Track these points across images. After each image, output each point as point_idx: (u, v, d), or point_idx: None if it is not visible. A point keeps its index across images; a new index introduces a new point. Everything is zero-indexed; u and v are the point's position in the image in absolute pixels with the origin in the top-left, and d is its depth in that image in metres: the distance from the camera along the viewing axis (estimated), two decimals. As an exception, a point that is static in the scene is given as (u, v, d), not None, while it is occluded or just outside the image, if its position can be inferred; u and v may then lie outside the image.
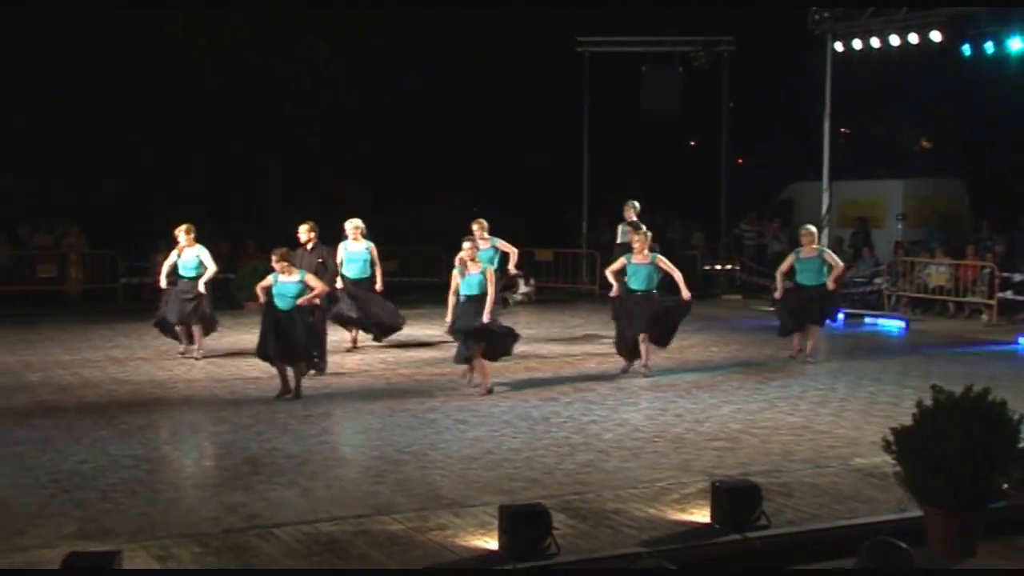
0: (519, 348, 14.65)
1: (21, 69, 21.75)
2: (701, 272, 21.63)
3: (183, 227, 13.86)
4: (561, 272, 22.52)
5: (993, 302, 17.70)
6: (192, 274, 13.82)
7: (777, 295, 13.81)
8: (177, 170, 23.51)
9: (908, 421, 7.24)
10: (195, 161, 23.53)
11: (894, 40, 17.69)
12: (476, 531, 7.13)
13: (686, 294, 12.65)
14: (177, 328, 14.11)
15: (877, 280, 19.78)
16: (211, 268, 13.89)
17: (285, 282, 11.47)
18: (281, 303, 11.43)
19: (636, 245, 12.75)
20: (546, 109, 25.65)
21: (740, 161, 29.22)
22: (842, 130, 26.10)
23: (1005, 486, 7.15)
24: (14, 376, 13.05)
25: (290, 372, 11.49)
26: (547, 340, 15.84)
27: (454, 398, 11.60)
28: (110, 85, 22.30)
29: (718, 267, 22.47)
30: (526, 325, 17.24)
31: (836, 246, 20.75)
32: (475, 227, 13.60)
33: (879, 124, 28.95)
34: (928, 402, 7.18)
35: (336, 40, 23.23)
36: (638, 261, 12.67)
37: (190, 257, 13.85)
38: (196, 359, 13.85)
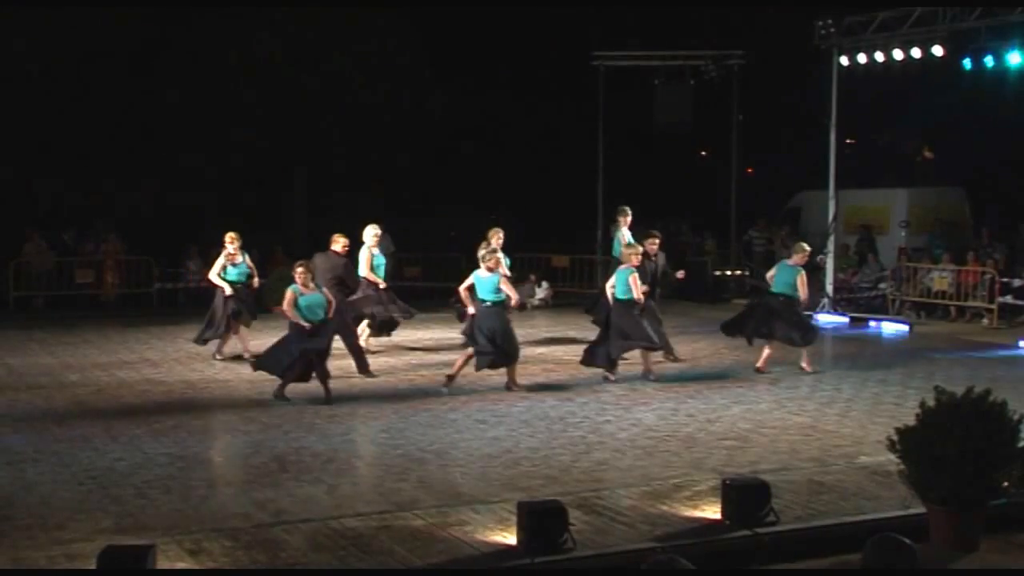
0: (537, 351, 14.94)
1: (62, 76, 22.06)
2: (712, 277, 21.83)
3: (230, 235, 14.10)
4: (577, 277, 22.77)
5: (994, 306, 17.88)
6: (243, 280, 14.14)
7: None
8: (207, 178, 23.80)
9: (912, 421, 7.38)
10: (226, 170, 23.82)
11: (897, 54, 17.89)
12: (495, 527, 7.26)
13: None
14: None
15: (882, 285, 19.96)
16: (254, 271, 14.38)
17: (310, 294, 11.61)
18: (312, 315, 11.54)
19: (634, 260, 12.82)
20: (562, 121, 25.93)
21: (750, 171, 29.39)
22: (848, 140, 26.26)
23: (1006, 484, 7.26)
24: (53, 377, 13.27)
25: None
26: (563, 343, 15.98)
27: (474, 399, 11.77)
28: (148, 95, 22.59)
29: (728, 273, 22.66)
30: (544, 329, 17.53)
31: (842, 252, 20.99)
32: (493, 236, 13.79)
33: (883, 135, 29.10)
34: (931, 403, 7.31)
35: (361, 56, 23.56)
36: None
37: (239, 262, 14.14)
38: (247, 359, 14.01)
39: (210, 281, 14.46)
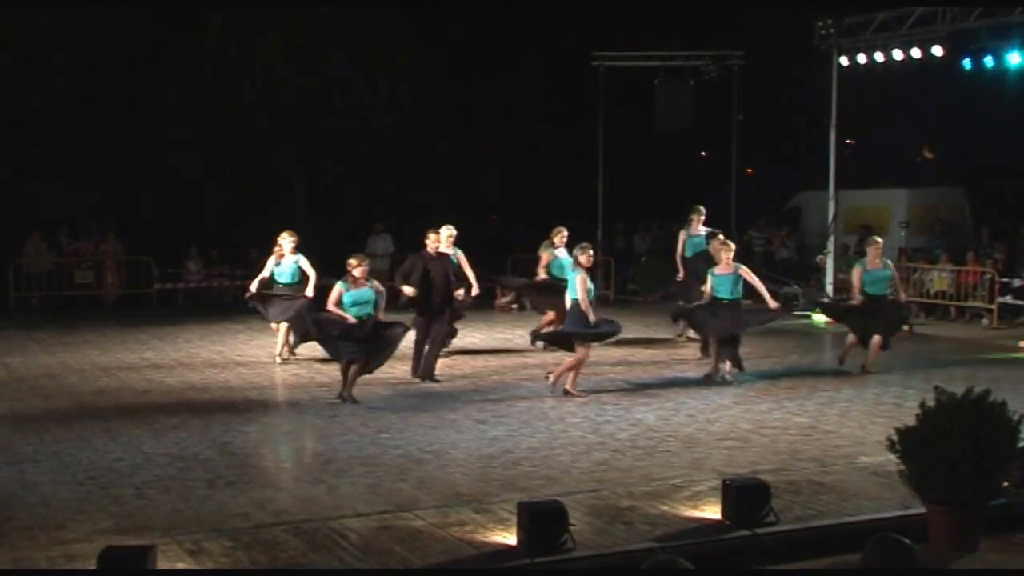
0: (535, 351, 14.95)
1: (62, 77, 22.09)
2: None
3: (286, 233, 13.95)
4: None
5: (993, 307, 17.91)
6: (290, 281, 13.89)
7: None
8: (207, 179, 23.83)
9: (912, 421, 7.39)
10: (225, 172, 23.86)
11: (897, 55, 17.91)
12: (495, 527, 7.28)
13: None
14: (272, 326, 14.25)
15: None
16: (312, 273, 13.93)
17: (360, 291, 11.45)
18: (360, 311, 11.41)
19: (723, 256, 12.77)
20: (562, 121, 25.96)
21: (749, 171, 29.41)
22: (847, 141, 26.28)
23: (1005, 484, 7.33)
24: (53, 377, 13.29)
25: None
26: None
27: (474, 400, 11.80)
28: (148, 95, 22.61)
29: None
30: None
31: (842, 252, 20.99)
32: (556, 235, 14.23)
33: (883, 135, 29.13)
34: (931, 403, 7.32)
35: (361, 58, 23.59)
36: (722, 272, 12.71)
37: (288, 265, 13.92)
38: (285, 359, 14.11)
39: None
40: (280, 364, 14.05)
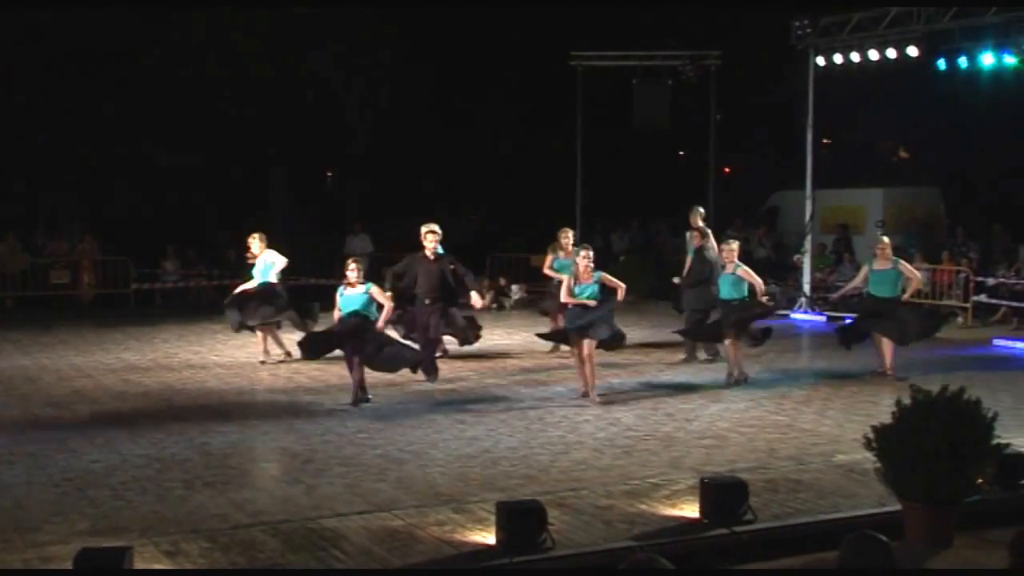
0: (515, 351, 14.96)
1: (34, 77, 21.94)
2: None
3: (256, 235, 13.95)
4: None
5: (968, 305, 18.05)
6: (263, 280, 13.89)
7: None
8: (185, 179, 23.73)
9: (888, 419, 7.44)
10: (204, 171, 23.77)
11: (873, 55, 18.03)
12: (474, 527, 7.27)
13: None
14: (259, 333, 14.16)
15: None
16: (281, 261, 13.99)
17: (351, 294, 11.35)
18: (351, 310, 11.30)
19: (724, 254, 12.71)
20: (541, 121, 26.00)
21: (727, 170, 29.58)
22: (824, 140, 26.46)
23: (979, 481, 7.34)
24: (29, 378, 13.20)
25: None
26: (543, 342, 15.98)
27: (452, 399, 11.79)
28: (121, 93, 22.50)
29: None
30: (523, 328, 17.58)
31: (819, 252, 21.12)
32: (562, 237, 14.03)
33: (859, 135, 29.34)
34: (907, 401, 7.37)
35: (340, 58, 23.55)
36: (729, 271, 12.65)
37: (260, 264, 13.93)
38: (279, 360, 14.04)
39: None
40: (262, 364, 14.04)
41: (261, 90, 23.10)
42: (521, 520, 6.84)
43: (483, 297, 14.48)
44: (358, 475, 8.73)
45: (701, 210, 15.17)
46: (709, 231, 14.65)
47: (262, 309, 13.87)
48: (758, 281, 12.76)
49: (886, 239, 13.54)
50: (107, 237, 21.63)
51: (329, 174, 29.42)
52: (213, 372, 13.57)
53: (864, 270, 13.38)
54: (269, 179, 25.15)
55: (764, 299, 12.91)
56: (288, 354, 14.08)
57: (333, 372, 13.11)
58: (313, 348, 11.77)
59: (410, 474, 8.75)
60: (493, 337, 16.39)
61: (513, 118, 26.80)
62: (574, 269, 11.59)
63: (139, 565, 6.45)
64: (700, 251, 14.17)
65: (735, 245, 12.84)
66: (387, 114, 24.56)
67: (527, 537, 6.80)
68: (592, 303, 11.35)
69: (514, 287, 21.59)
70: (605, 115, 23.55)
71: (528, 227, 24.39)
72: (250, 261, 14.06)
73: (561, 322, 12.81)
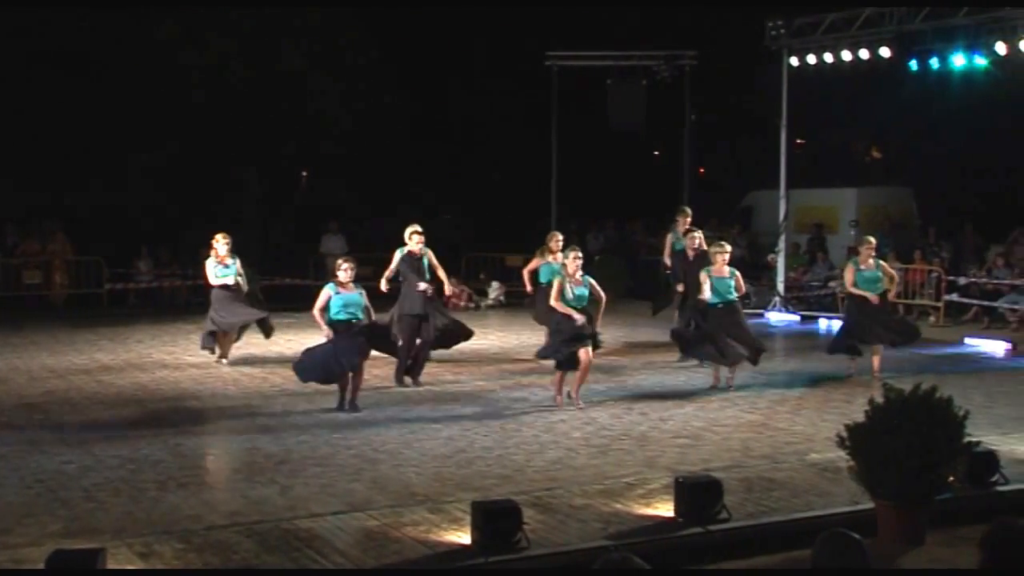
0: (491, 350, 14.96)
1: (3, 75, 21.76)
2: (665, 276, 21.98)
3: (221, 237, 13.63)
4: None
5: (940, 304, 18.20)
6: (235, 280, 13.64)
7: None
8: (158, 178, 23.60)
9: (861, 418, 7.49)
10: (176, 170, 23.64)
11: (846, 55, 18.14)
12: (449, 527, 7.27)
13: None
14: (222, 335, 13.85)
15: (831, 283, 20.21)
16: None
17: (346, 294, 10.99)
18: (346, 315, 10.96)
19: (718, 257, 12.39)
20: (516, 120, 26.02)
21: (702, 170, 29.66)
22: (798, 141, 26.59)
23: (951, 479, 7.41)
24: (0, 380, 13.06)
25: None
26: (517, 341, 16.07)
27: (427, 399, 11.79)
28: (95, 93, 22.33)
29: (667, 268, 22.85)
30: (497, 327, 17.63)
31: (793, 251, 21.22)
32: (551, 241, 13.90)
33: (833, 135, 29.51)
34: (879, 400, 7.42)
35: (314, 56, 23.47)
36: (718, 274, 12.33)
37: (230, 264, 13.64)
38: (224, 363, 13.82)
39: (209, 283, 13.83)
40: (228, 365, 13.85)
41: (236, 89, 22.98)
42: (496, 520, 6.85)
43: (453, 286, 14.47)
44: (333, 475, 8.71)
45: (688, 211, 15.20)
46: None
47: (250, 309, 13.72)
48: (742, 287, 12.69)
49: (872, 239, 13.44)
50: (80, 237, 21.46)
51: (304, 174, 29.35)
52: (187, 373, 13.50)
53: (851, 270, 13.10)
54: (243, 179, 25.03)
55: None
56: (223, 357, 13.89)
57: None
58: (311, 373, 11.20)
59: (385, 474, 8.74)
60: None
61: (488, 118, 26.80)
62: (564, 269, 11.35)
63: (112, 567, 6.41)
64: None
65: (728, 248, 12.64)
66: (362, 114, 24.49)
67: (502, 537, 6.81)
68: (581, 318, 10.97)
69: (494, 283, 21.61)
70: (581, 115, 23.60)
71: (503, 227, 24.45)
72: (220, 262, 13.69)
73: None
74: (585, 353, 11.07)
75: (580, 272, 11.16)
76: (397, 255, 12.78)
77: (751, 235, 23.66)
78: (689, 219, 15.24)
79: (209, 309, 13.78)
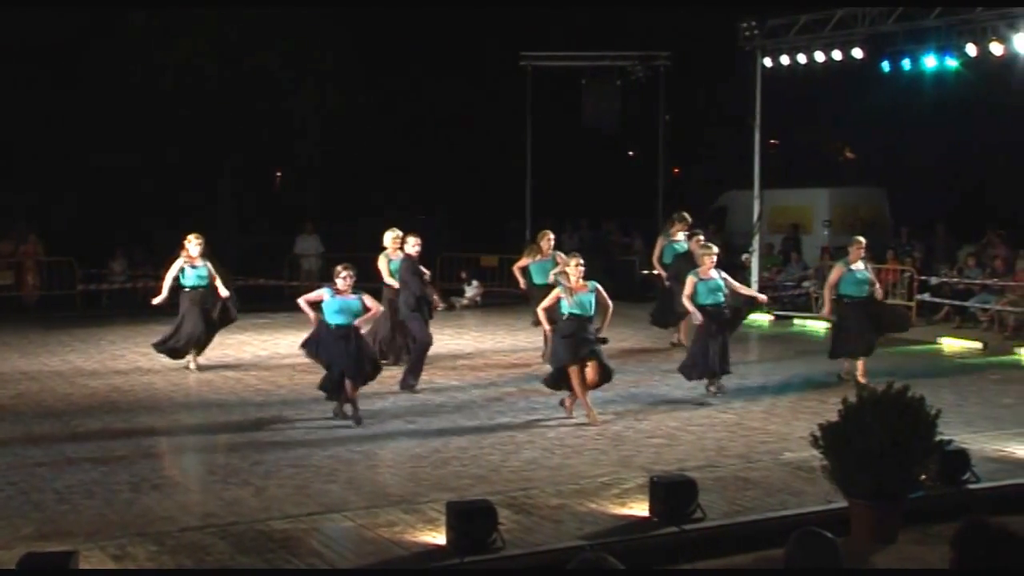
0: (466, 350, 14.95)
1: None
2: (639, 276, 22.05)
3: (194, 237, 13.15)
4: (506, 277, 22.80)
5: (912, 304, 18.32)
6: (204, 284, 13.16)
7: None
8: (133, 179, 23.44)
9: (834, 417, 7.53)
10: (150, 171, 23.49)
11: (819, 56, 18.24)
12: (424, 527, 7.27)
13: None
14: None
15: (805, 283, 20.32)
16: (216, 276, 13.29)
17: (344, 300, 10.60)
18: (346, 320, 10.56)
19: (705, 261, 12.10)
20: (491, 120, 26.03)
21: (676, 170, 29.77)
22: (771, 141, 26.70)
23: (923, 477, 7.48)
24: (-29, 382, 12.92)
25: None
26: (493, 342, 16.10)
27: (402, 399, 11.76)
28: (66, 93, 22.16)
29: (655, 272, 22.93)
30: (473, 328, 17.65)
31: (767, 251, 21.31)
32: (542, 240, 13.83)
33: (806, 135, 29.67)
34: (853, 399, 7.48)
35: (288, 56, 23.37)
36: (704, 276, 12.01)
37: (201, 266, 13.21)
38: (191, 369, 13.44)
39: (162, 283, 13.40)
40: (199, 371, 13.51)
41: (209, 89, 22.87)
42: (471, 520, 6.85)
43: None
44: (308, 476, 8.69)
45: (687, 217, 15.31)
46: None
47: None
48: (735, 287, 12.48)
49: (862, 239, 13.19)
50: (53, 238, 21.27)
51: (279, 174, 29.26)
52: (160, 374, 13.40)
53: (840, 270, 12.94)
54: (217, 180, 24.91)
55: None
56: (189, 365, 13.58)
57: (282, 374, 13.08)
58: (315, 349, 10.80)
59: (360, 475, 8.73)
60: (443, 337, 16.33)
61: (463, 118, 26.80)
62: (565, 279, 11.03)
63: (85, 569, 6.37)
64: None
65: (716, 249, 12.39)
66: (336, 115, 24.44)
67: (477, 537, 6.81)
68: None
69: (474, 282, 21.61)
70: (555, 115, 23.64)
71: (478, 227, 24.46)
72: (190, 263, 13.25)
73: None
74: (592, 371, 10.52)
75: (583, 280, 10.78)
76: (382, 260, 12.77)
77: (725, 235, 23.75)
78: (688, 225, 15.23)
79: (178, 319, 13.22)
